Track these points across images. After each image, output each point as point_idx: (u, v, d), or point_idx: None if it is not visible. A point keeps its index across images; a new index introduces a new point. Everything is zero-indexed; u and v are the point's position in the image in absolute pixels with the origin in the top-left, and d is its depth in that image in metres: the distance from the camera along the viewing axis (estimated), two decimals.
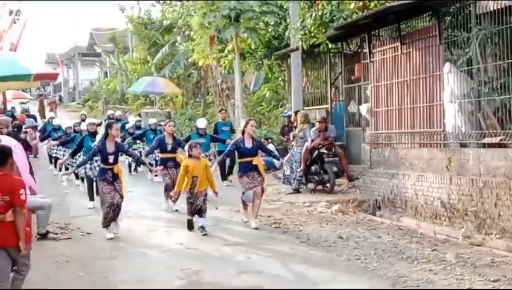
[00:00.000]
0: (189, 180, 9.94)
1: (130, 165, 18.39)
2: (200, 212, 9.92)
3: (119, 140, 12.70)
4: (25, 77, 13.10)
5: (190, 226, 10.08)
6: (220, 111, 17.96)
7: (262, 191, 10.41)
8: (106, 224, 9.90)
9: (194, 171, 9.93)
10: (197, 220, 9.99)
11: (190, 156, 10.10)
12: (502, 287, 6.63)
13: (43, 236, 9.62)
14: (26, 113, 29.24)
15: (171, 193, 10.84)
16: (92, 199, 12.87)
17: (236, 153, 11.11)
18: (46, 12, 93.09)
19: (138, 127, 19.38)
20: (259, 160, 10.52)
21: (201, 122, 14.72)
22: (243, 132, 10.46)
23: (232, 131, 16.87)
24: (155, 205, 12.77)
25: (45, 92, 51.60)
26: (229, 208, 11.71)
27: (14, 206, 5.78)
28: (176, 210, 11.76)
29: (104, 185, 9.90)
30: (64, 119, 22.22)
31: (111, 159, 9.96)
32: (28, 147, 12.92)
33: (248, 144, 10.35)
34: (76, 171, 14.78)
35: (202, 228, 9.87)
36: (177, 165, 11.82)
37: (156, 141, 12.58)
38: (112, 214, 9.82)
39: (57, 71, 26.35)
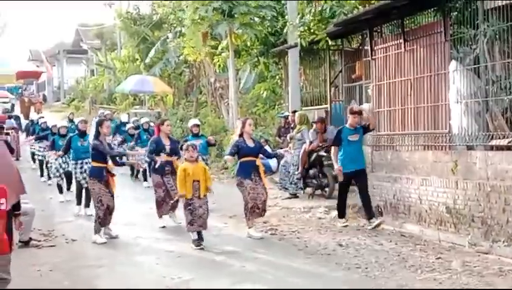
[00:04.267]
0: (190, 186, 9.56)
1: (132, 169, 18.34)
2: (203, 223, 9.59)
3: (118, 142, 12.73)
4: (7, 75, 13.08)
5: (198, 244, 9.50)
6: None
7: (267, 196, 10.43)
8: (99, 228, 10.14)
9: (194, 175, 9.57)
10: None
11: (186, 159, 9.86)
12: None
13: (26, 243, 9.61)
14: (9, 114, 29.23)
15: (177, 196, 10.20)
16: (79, 203, 12.88)
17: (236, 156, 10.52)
18: (29, 7, 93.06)
19: (137, 127, 18.65)
20: (259, 161, 10.53)
21: (192, 121, 14.53)
22: (241, 134, 10.39)
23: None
24: (144, 211, 12.76)
25: (29, 91, 51.49)
26: (222, 214, 11.70)
27: None
28: (164, 227, 11.27)
29: (102, 186, 10.19)
30: (49, 120, 22.17)
31: (105, 156, 10.39)
32: (9, 149, 12.89)
33: (250, 143, 10.35)
34: (51, 171, 15.18)
35: (198, 240, 9.55)
36: (174, 171, 11.11)
37: (152, 143, 11.67)
38: (106, 218, 10.15)
39: (41, 69, 26.37)
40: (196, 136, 13.72)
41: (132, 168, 18.10)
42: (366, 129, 11.28)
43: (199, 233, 9.58)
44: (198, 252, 9.22)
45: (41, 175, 18.51)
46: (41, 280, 7.93)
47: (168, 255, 9.20)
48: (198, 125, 14.13)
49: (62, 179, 14.61)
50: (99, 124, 10.59)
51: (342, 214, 11.22)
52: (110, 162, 10.57)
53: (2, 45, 25.68)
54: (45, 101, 51.48)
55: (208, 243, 9.70)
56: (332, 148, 11.24)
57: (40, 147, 18.49)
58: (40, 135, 18.65)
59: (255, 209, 10.16)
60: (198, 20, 18.58)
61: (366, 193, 11.02)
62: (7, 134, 19.46)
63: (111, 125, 12.55)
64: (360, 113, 11.41)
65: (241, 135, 10.40)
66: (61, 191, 14.75)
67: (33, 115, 23.34)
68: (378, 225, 10.64)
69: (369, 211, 10.92)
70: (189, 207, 9.54)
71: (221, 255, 9.06)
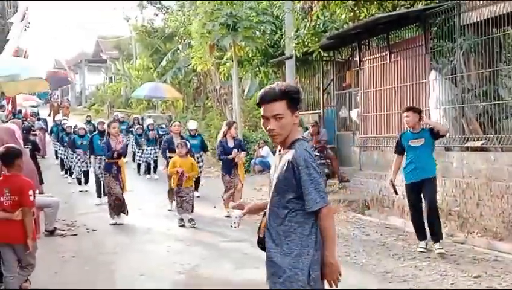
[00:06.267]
0: (177, 177, 10.33)
1: (139, 166, 18.30)
2: (189, 207, 10.42)
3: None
4: (37, 80, 13.04)
5: (181, 223, 10.41)
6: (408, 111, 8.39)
7: (241, 186, 11.23)
8: (112, 212, 10.63)
9: (181, 168, 10.29)
10: (185, 215, 10.46)
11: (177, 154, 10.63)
12: (483, 283, 6.65)
13: (51, 233, 9.61)
14: (37, 117, 29.20)
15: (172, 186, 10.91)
16: (99, 195, 12.96)
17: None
18: (54, 20, 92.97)
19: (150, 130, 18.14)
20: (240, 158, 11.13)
21: (192, 124, 14.28)
22: (225, 134, 11.06)
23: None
24: (157, 203, 12.76)
25: (54, 96, 51.43)
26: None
27: (22, 206, 5.75)
28: (170, 210, 11.81)
29: (111, 179, 10.61)
30: (72, 122, 22.21)
31: (115, 154, 10.62)
32: (36, 148, 12.90)
33: (230, 143, 11.03)
34: (71, 169, 15.53)
35: (192, 219, 10.39)
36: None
37: (165, 142, 12.35)
38: (116, 206, 10.56)
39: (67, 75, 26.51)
40: (193, 136, 13.65)
41: (139, 165, 18.26)
42: (434, 134, 8.05)
43: (181, 220, 10.41)
44: (204, 241, 9.23)
45: (62, 170, 18.50)
46: (64, 265, 7.94)
47: (177, 243, 9.21)
48: (195, 129, 14.05)
49: (81, 174, 15.40)
50: (108, 125, 11.20)
51: (419, 235, 8.23)
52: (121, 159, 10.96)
53: (31, 53, 25.71)
54: (69, 105, 51.39)
55: (212, 233, 9.74)
56: (395, 157, 8.42)
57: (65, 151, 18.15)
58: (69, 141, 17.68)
59: (231, 196, 11.03)
60: (206, 34, 18.55)
61: (432, 209, 7.98)
62: (34, 134, 19.43)
63: (119, 126, 12.67)
64: (414, 110, 8.22)
65: (225, 135, 11.10)
66: (80, 183, 15.45)
67: (57, 118, 23.23)
68: (441, 254, 7.79)
69: (434, 232, 7.99)
70: (178, 194, 10.42)
71: (225, 243, 9.06)
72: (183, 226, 10.32)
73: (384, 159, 11.63)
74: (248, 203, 3.84)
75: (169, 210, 11.89)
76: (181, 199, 10.37)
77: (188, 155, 10.70)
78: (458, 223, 9.18)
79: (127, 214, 10.76)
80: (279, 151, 3.50)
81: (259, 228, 3.57)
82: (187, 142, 11.21)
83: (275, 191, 3.44)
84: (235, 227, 3.85)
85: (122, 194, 10.67)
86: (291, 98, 3.31)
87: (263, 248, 3.55)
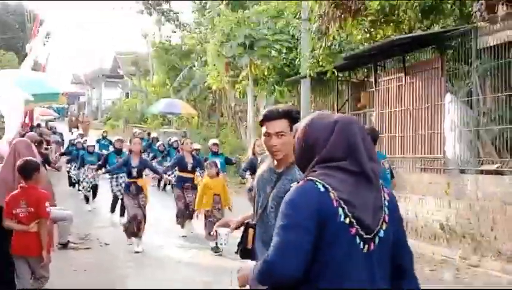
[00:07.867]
0: (211, 199, 9.59)
1: (159, 181, 17.90)
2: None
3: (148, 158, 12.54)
4: (53, 96, 13.22)
5: (216, 251, 9.33)
6: None
7: None
8: (128, 235, 9.88)
9: (215, 188, 9.63)
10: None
11: (207, 175, 9.86)
12: None
13: (64, 246, 9.63)
14: (53, 130, 29.41)
15: (196, 213, 10.19)
16: (112, 211, 12.80)
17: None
18: (73, 36, 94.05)
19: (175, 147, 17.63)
20: None
21: (212, 140, 13.96)
22: (254, 153, 10.27)
23: None
24: (170, 217, 12.75)
25: (70, 110, 51.80)
26: None
27: (38, 218, 5.78)
28: (185, 236, 11.09)
29: (129, 198, 9.94)
30: (87, 136, 22.40)
31: (134, 172, 9.99)
32: (48, 161, 12.95)
33: None
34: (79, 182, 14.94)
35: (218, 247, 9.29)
36: (194, 187, 11.00)
37: (175, 159, 11.74)
38: (133, 227, 9.70)
39: (82, 90, 26.65)
40: (215, 154, 13.11)
41: (159, 181, 17.94)
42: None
43: (216, 247, 9.28)
44: (216, 259, 9.20)
45: (69, 185, 18.07)
46: (77, 278, 7.95)
47: (189, 259, 9.20)
48: (217, 144, 13.63)
49: (89, 191, 14.68)
50: (130, 142, 10.63)
51: None
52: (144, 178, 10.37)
53: (50, 69, 26.03)
54: (88, 121, 51.60)
55: (226, 249, 9.67)
56: None
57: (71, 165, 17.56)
58: (65, 151, 17.65)
59: None
60: (223, 53, 18.70)
61: None
62: (46, 148, 19.44)
63: (142, 143, 12.36)
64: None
65: (253, 154, 10.24)
66: (87, 202, 14.74)
67: (75, 134, 23.30)
68: None
69: None
70: (209, 219, 9.47)
71: (236, 261, 8.98)
72: (220, 255, 9.23)
73: (398, 180, 11.55)
74: (231, 220, 4.07)
75: (183, 236, 11.12)
76: (213, 224, 9.51)
77: (219, 175, 9.94)
78: (472, 246, 9.09)
79: (140, 238, 9.78)
80: (275, 167, 3.65)
81: (246, 239, 3.84)
82: (216, 161, 10.47)
83: (274, 206, 3.58)
84: (225, 244, 4.10)
85: (143, 215, 9.81)
86: (293, 118, 3.52)
87: (245, 257, 3.86)
